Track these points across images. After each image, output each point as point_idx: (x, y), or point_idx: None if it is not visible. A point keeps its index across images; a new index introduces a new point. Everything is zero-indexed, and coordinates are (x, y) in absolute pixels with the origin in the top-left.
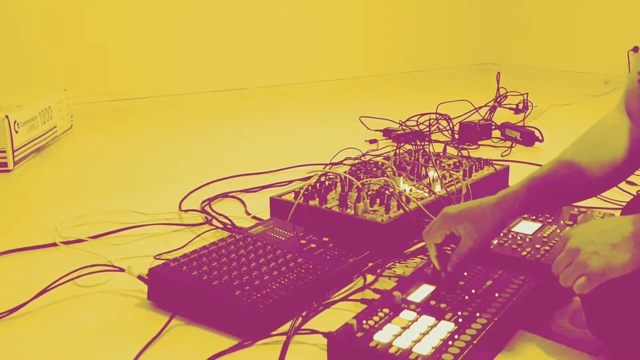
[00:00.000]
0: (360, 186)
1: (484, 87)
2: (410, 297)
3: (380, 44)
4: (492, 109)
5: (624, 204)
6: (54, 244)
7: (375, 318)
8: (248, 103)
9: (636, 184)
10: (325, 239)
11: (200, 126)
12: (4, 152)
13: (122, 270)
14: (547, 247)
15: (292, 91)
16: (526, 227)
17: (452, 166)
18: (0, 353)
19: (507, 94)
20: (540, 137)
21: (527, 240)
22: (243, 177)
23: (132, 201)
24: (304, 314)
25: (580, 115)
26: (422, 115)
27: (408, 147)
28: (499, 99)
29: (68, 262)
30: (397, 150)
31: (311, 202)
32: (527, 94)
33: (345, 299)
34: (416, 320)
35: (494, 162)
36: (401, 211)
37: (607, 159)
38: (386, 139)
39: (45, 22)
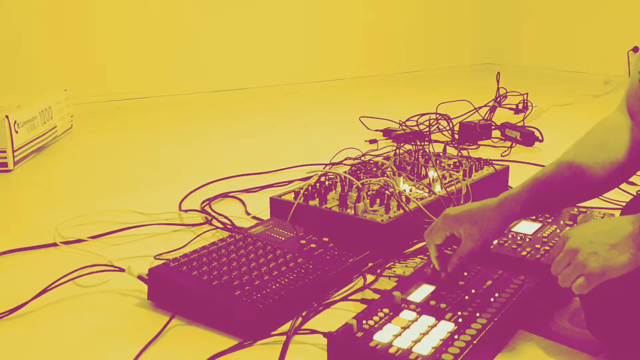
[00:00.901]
0: (360, 186)
1: (484, 87)
2: (410, 297)
3: (380, 44)
4: (492, 109)
5: (624, 204)
6: (54, 244)
7: (375, 318)
8: (248, 103)
9: (636, 184)
10: (325, 239)
11: (200, 126)
12: (4, 152)
13: (122, 270)
14: (547, 247)
15: (292, 91)
16: (526, 227)
17: (452, 166)
18: (0, 353)
19: (507, 94)
20: (540, 137)
21: (527, 240)
22: (243, 177)
23: (132, 201)
24: (304, 314)
25: (580, 115)
26: (422, 115)
27: (408, 147)
28: (499, 99)
29: (68, 262)
30: (397, 150)
31: (311, 202)
32: (527, 94)
33: (345, 299)
34: (416, 320)
35: (493, 162)
36: (401, 211)
37: (609, 160)
38: (386, 139)
39: (45, 22)
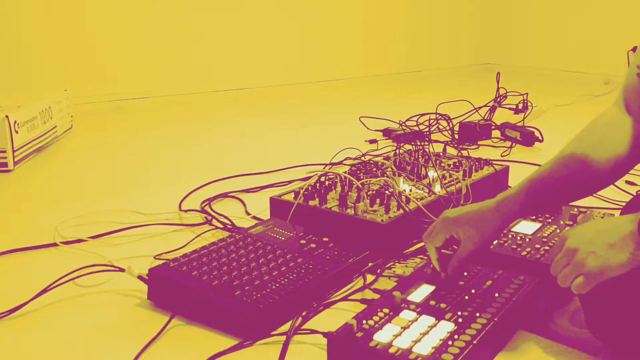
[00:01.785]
0: (360, 186)
1: (484, 87)
2: (410, 297)
3: (380, 44)
4: (492, 109)
5: (624, 204)
6: (54, 244)
7: (375, 318)
8: (248, 103)
9: (636, 184)
10: (325, 239)
11: (200, 126)
12: (4, 152)
13: (122, 270)
14: (547, 247)
15: (292, 91)
16: (526, 227)
17: (452, 166)
18: (0, 353)
19: (507, 94)
20: (540, 137)
21: (527, 240)
22: (243, 177)
23: (132, 201)
24: (304, 314)
25: (580, 115)
26: (422, 115)
27: (408, 147)
28: (498, 99)
29: (68, 262)
30: (397, 150)
31: (311, 202)
32: (527, 94)
33: (345, 299)
34: (416, 320)
35: (493, 162)
36: (401, 211)
37: (613, 154)
38: (386, 139)
39: (45, 22)
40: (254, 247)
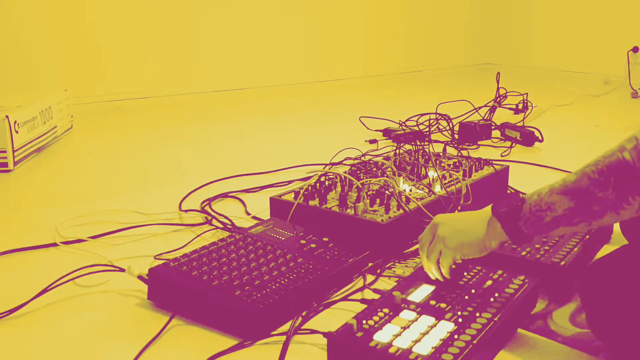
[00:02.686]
0: (360, 186)
1: (484, 87)
2: (410, 297)
3: (380, 44)
4: (492, 109)
5: None
6: (54, 244)
7: (375, 318)
8: (248, 103)
9: None
10: (325, 239)
11: (201, 126)
12: (4, 152)
13: (122, 270)
14: (547, 247)
15: (292, 91)
16: None
17: (452, 166)
18: (0, 353)
19: (507, 94)
20: (540, 137)
21: None
22: (243, 177)
23: (132, 201)
24: (304, 314)
25: (580, 115)
26: (422, 115)
27: (408, 147)
28: (498, 99)
29: (68, 262)
30: (397, 150)
31: (311, 202)
32: (527, 94)
33: (345, 299)
34: (416, 320)
35: (493, 162)
36: (401, 211)
37: None
38: (386, 139)
39: (45, 22)
40: (254, 247)
